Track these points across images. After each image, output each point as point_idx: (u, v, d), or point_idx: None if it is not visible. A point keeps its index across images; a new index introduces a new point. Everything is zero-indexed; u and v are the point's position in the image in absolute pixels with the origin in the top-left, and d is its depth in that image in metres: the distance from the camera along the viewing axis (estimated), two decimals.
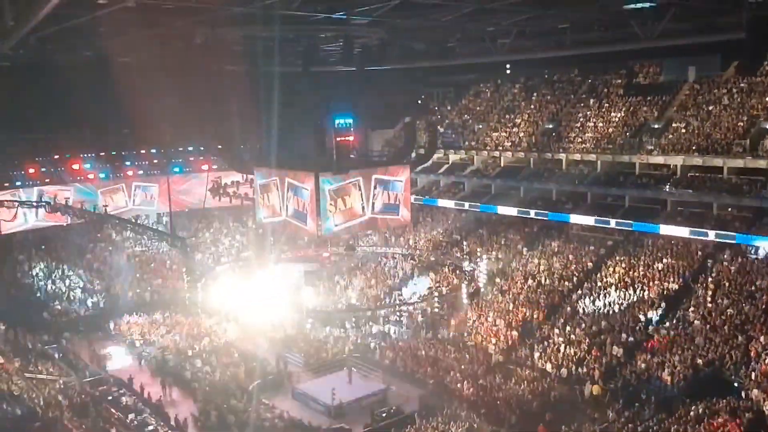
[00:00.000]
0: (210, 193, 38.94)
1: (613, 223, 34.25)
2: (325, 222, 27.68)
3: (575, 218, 36.00)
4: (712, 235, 30.65)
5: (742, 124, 33.13)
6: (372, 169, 29.09)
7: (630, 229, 33.82)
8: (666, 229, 32.31)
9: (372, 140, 41.35)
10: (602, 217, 34.68)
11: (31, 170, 41.40)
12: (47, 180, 41.38)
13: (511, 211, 38.88)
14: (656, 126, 36.40)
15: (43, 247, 42.39)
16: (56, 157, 42.49)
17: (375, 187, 28.61)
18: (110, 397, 28.62)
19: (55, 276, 40.87)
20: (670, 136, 35.17)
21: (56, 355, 33.19)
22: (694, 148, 33.46)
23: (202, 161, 46.23)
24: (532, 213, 37.67)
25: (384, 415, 26.37)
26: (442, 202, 42.75)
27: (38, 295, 39.25)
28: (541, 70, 44.48)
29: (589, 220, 35.46)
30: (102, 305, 39.32)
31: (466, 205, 41.36)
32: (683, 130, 34.92)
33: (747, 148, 31.66)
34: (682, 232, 31.75)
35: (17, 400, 26.86)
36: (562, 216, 36.51)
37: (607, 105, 39.94)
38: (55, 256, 42.06)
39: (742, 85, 34.96)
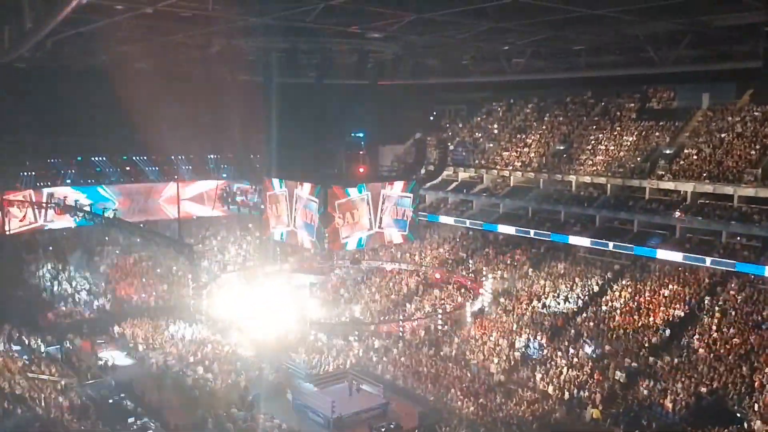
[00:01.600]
0: (218, 201, 39.11)
1: (611, 246, 34.17)
2: (333, 235, 27.70)
3: (574, 239, 35.94)
4: (708, 261, 30.53)
5: (754, 152, 32.99)
6: (381, 184, 29.16)
7: (631, 253, 33.78)
8: (663, 254, 32.20)
9: (382, 155, 41.42)
10: (607, 240, 34.48)
11: (42, 171, 41.77)
12: (57, 181, 41.73)
13: (510, 230, 38.86)
14: (668, 151, 36.31)
15: (50, 248, 42.63)
16: (70, 160, 42.86)
17: (383, 202, 28.67)
18: (111, 401, 28.64)
19: (62, 277, 41.09)
20: (682, 162, 35.07)
21: (59, 357, 33.29)
22: (705, 175, 33.33)
23: (212, 169, 46.50)
24: (532, 233, 37.71)
25: (383, 429, 26.27)
26: (444, 219, 42.63)
27: (44, 295, 39.46)
28: (554, 91, 44.54)
29: (586, 242, 35.41)
30: (107, 308, 39.46)
31: (468, 222, 41.35)
32: (695, 157, 34.82)
33: (759, 177, 31.50)
34: (678, 257, 31.75)
35: (19, 399, 26.93)
36: (561, 237, 36.47)
37: (619, 128, 39.91)
38: (62, 257, 42.29)
39: (756, 113, 34.86)
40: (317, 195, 27.69)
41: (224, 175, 45.87)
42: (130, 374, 31.29)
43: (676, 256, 31.74)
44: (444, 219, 42.80)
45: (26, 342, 34.00)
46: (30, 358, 32.11)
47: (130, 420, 26.79)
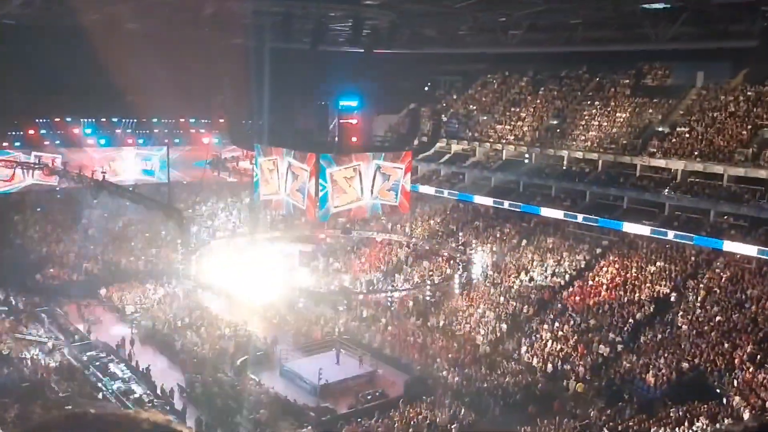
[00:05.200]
0: (210, 166, 38.85)
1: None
2: (323, 203, 27.68)
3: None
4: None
5: (746, 132, 33.07)
6: (373, 154, 29.04)
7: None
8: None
9: (375, 125, 41.15)
10: (597, 215, 34.75)
11: (31, 132, 41.24)
12: (46, 142, 41.24)
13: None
14: (660, 129, 36.34)
15: (38, 209, 42.32)
16: (57, 120, 42.29)
17: (375, 172, 28.60)
18: (98, 363, 28.78)
19: (50, 239, 40.87)
20: (674, 140, 35.13)
21: (46, 318, 33.29)
22: (696, 153, 33.43)
23: (203, 134, 46.12)
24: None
25: (369, 397, 26.59)
26: (423, 189, 42.32)
27: (32, 257, 39.27)
28: (549, 65, 44.27)
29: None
30: (95, 271, 39.37)
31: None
32: (687, 135, 34.87)
33: (749, 156, 31.64)
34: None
35: (6, 360, 27.01)
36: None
37: (613, 104, 39.82)
38: (50, 219, 42.02)
39: (749, 93, 34.84)
40: (309, 163, 27.55)
41: (215, 141, 45.52)
42: (118, 337, 31.37)
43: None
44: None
45: (14, 303, 33.94)
46: (17, 318, 32.09)
47: (117, 383, 26.96)
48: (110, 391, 26.42)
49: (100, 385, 26.89)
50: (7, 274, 35.35)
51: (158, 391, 26.51)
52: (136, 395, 26.21)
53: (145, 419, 1.49)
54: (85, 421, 1.47)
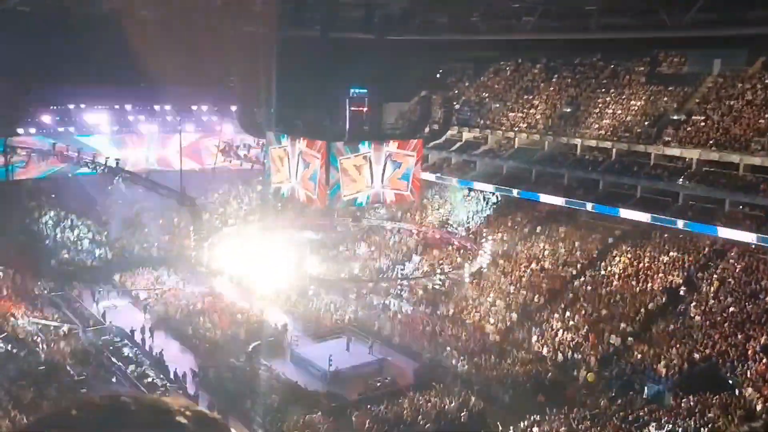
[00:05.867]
0: (221, 154, 38.95)
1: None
2: (333, 192, 27.69)
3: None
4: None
5: (763, 121, 32.56)
6: (384, 142, 28.96)
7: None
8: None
9: (386, 112, 41.00)
10: (612, 205, 34.46)
11: (45, 119, 41.53)
12: (60, 129, 41.52)
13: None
14: (675, 117, 35.88)
15: (53, 195, 42.71)
16: (71, 107, 42.54)
17: (386, 160, 28.53)
18: (111, 348, 29.13)
19: (65, 225, 41.28)
20: (689, 128, 34.69)
21: (61, 303, 33.72)
22: (711, 142, 33.01)
23: (215, 122, 46.20)
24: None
25: (378, 384, 26.72)
26: (424, 176, 41.91)
27: (47, 242, 39.73)
28: (563, 52, 43.75)
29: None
30: (109, 257, 39.76)
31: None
32: (702, 124, 34.42)
33: (766, 145, 31.19)
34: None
35: (22, 343, 27.41)
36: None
37: (627, 92, 39.34)
38: (65, 205, 42.41)
39: (767, 81, 34.30)
40: (319, 151, 27.54)
41: (228, 129, 45.57)
42: (131, 322, 31.72)
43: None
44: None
45: (29, 288, 34.38)
46: (33, 303, 32.52)
47: (131, 367, 27.28)
48: (124, 375, 26.75)
49: (114, 369, 27.23)
50: (23, 259, 35.79)
51: (171, 376, 26.82)
52: (150, 380, 26.52)
53: (178, 409, 1.34)
54: (123, 411, 1.31)
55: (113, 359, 28.00)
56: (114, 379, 26.18)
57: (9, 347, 26.56)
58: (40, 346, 27.76)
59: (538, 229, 37.81)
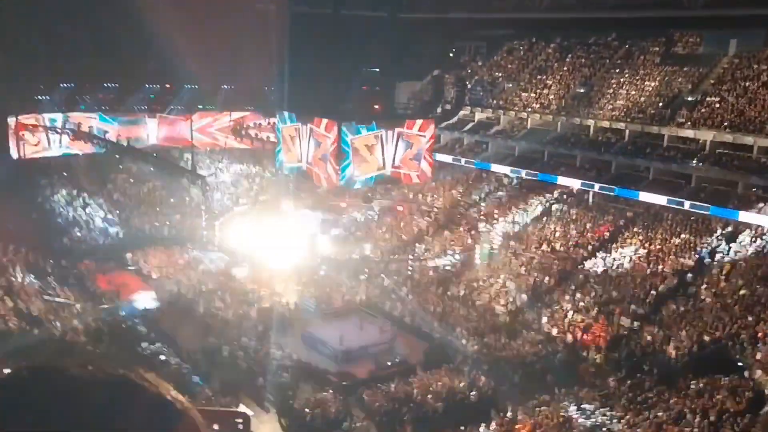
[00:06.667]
0: (232, 133, 38.93)
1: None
2: (344, 172, 27.65)
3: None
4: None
5: None
6: (396, 122, 28.82)
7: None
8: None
9: (398, 92, 40.76)
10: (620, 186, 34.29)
11: (56, 95, 41.58)
12: (72, 106, 41.58)
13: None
14: (690, 98, 35.48)
15: (65, 173, 42.89)
16: (86, 85, 42.56)
17: (397, 141, 28.42)
18: (124, 326, 29.39)
19: (77, 203, 41.51)
20: (703, 110, 34.31)
21: (74, 281, 33.97)
22: (726, 124, 32.65)
23: (227, 101, 46.08)
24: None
25: (389, 363, 26.89)
26: (445, 158, 41.62)
27: (59, 220, 39.98)
28: (577, 31, 43.20)
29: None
30: (121, 236, 40.02)
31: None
32: (717, 105, 34.02)
33: None
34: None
35: (35, 321, 27.72)
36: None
37: (642, 73, 38.90)
38: (76, 183, 42.60)
39: None
40: (330, 130, 27.45)
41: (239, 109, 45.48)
42: (143, 301, 31.95)
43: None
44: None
45: (42, 265, 34.65)
46: (45, 281, 32.80)
47: (144, 345, 27.55)
48: (137, 353, 27.00)
49: (127, 347, 27.48)
50: (35, 237, 36.05)
51: (184, 355, 27.06)
52: (163, 357, 26.76)
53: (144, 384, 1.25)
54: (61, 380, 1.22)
55: (126, 337, 28.24)
56: (126, 357, 26.46)
57: (23, 324, 26.85)
58: (53, 323, 28.04)
59: (550, 210, 37.66)
